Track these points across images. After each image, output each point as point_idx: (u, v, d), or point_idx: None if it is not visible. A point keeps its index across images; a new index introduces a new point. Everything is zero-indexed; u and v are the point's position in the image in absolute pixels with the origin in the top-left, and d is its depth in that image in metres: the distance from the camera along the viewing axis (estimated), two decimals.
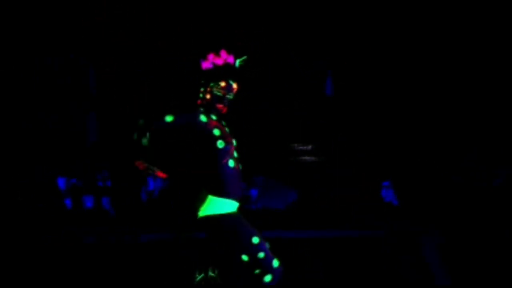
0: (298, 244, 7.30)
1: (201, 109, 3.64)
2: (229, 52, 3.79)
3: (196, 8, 9.48)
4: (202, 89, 3.69)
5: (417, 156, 9.17)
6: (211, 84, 3.64)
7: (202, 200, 3.58)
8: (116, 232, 7.20)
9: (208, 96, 3.64)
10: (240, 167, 3.66)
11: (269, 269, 3.48)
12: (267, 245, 3.53)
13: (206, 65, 3.71)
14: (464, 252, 5.41)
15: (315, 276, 5.66)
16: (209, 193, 3.56)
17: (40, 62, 9.19)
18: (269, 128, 10.08)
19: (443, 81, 9.49)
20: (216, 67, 3.67)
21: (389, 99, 9.83)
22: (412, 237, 6.47)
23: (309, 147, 10.31)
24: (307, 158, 10.26)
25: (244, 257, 3.50)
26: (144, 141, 3.47)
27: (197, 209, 3.60)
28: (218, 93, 3.63)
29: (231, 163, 3.53)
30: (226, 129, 3.70)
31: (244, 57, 3.80)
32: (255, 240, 3.44)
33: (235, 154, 3.62)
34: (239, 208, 3.68)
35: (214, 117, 3.65)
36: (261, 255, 3.43)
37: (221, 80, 3.65)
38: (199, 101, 3.74)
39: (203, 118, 3.56)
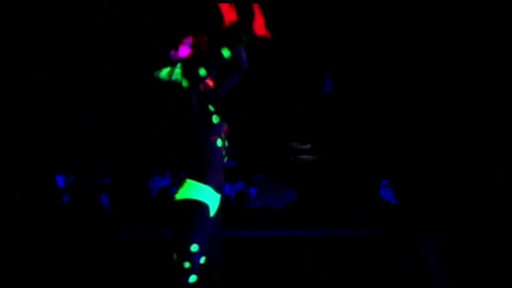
0: (297, 244, 7.31)
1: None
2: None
3: (195, 7, 9.50)
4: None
5: (417, 156, 9.18)
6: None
7: (181, 183, 3.53)
8: (115, 230, 7.23)
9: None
10: (225, 159, 3.57)
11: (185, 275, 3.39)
12: (202, 261, 3.38)
13: (183, 51, 3.65)
14: (463, 252, 5.42)
15: (314, 275, 5.67)
16: (188, 176, 3.48)
17: (40, 62, 9.22)
18: (269, 127, 10.11)
19: (442, 81, 9.50)
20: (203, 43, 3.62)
21: (389, 99, 9.84)
22: (412, 237, 6.49)
23: (309, 146, 10.34)
24: (306, 157, 10.29)
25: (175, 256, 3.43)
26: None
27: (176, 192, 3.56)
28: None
29: (219, 142, 3.48)
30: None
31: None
32: (194, 248, 3.34)
33: (223, 136, 3.51)
34: (219, 209, 3.57)
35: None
36: (187, 265, 3.32)
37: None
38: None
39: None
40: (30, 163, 8.19)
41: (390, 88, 9.87)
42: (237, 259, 6.24)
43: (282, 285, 5.58)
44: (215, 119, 3.45)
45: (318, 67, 10.09)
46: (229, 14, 3.57)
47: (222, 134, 3.50)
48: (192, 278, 3.32)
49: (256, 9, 3.58)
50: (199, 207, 3.44)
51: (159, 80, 3.52)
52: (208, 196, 3.42)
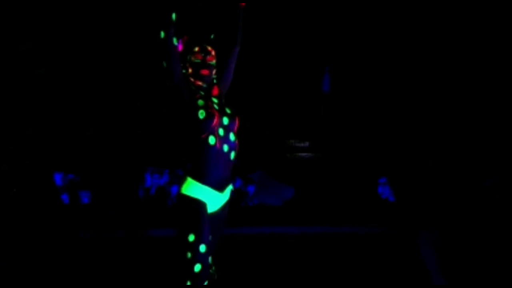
0: (294, 241, 7.32)
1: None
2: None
3: (194, 6, 9.48)
4: (183, 70, 3.61)
5: (416, 155, 9.19)
6: (188, 58, 3.57)
7: (181, 181, 3.52)
8: (113, 229, 7.23)
9: (190, 70, 3.56)
10: (232, 155, 3.50)
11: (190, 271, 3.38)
12: (202, 249, 3.37)
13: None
14: (463, 252, 5.43)
15: (311, 273, 5.67)
16: (186, 173, 3.48)
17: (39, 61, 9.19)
18: (267, 124, 10.10)
19: (440, 80, 9.50)
20: (186, 42, 3.63)
21: (387, 96, 9.84)
22: (411, 236, 6.50)
23: (307, 143, 10.33)
24: (305, 154, 10.28)
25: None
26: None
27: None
28: (197, 60, 3.55)
29: (211, 140, 3.40)
30: (221, 107, 3.58)
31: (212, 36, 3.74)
32: (191, 237, 3.34)
33: (220, 132, 3.46)
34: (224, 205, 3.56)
35: (202, 92, 3.55)
36: (198, 267, 3.33)
37: (193, 47, 3.60)
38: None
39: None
40: (28, 162, 8.18)
41: (388, 86, 9.88)
42: (236, 257, 6.25)
43: (281, 283, 5.59)
44: (201, 114, 3.39)
45: (316, 63, 10.10)
46: None
47: (219, 130, 3.44)
48: (197, 267, 3.34)
49: None
50: (197, 205, 3.44)
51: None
52: (206, 195, 3.41)
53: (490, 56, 9.19)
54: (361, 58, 9.96)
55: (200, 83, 3.54)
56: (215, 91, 3.58)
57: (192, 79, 3.55)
